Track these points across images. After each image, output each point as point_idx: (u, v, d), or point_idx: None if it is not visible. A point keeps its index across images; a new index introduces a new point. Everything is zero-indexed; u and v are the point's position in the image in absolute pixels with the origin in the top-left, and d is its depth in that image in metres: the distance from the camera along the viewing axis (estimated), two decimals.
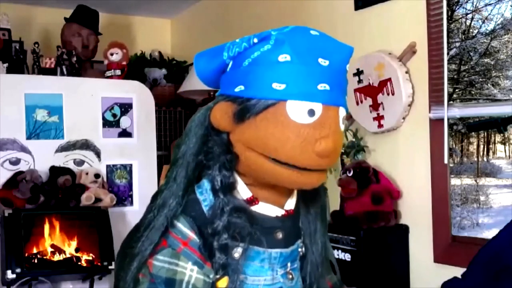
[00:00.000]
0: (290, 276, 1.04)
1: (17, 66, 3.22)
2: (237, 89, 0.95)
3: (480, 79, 2.36)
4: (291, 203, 1.04)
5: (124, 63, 3.32)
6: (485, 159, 2.41)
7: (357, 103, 2.51)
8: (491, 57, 2.31)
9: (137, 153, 3.15)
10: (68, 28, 3.42)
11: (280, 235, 1.01)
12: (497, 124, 1.62)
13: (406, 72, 2.35)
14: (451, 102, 2.31)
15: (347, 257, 2.30)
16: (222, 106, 0.97)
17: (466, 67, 2.40)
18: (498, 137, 2.36)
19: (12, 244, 2.54)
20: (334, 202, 2.37)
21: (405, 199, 2.41)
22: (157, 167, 3.17)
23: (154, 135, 3.23)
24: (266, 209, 1.00)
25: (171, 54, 4.39)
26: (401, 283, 2.36)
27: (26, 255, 2.59)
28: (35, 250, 2.65)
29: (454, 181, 2.36)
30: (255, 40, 0.94)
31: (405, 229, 2.39)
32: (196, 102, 3.73)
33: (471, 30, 2.38)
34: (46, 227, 2.70)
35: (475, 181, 2.38)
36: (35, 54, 3.17)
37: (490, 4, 2.26)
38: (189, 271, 0.95)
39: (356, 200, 2.35)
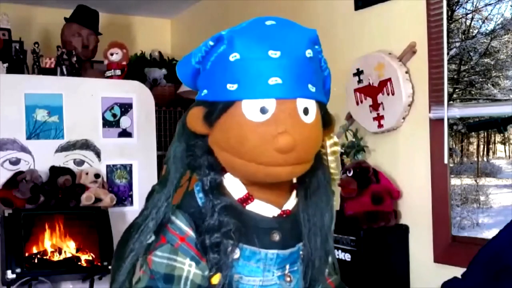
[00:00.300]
0: (288, 279, 1.03)
1: (17, 66, 3.22)
2: (203, 93, 0.96)
3: (480, 79, 2.36)
4: (289, 204, 1.03)
5: (124, 63, 3.33)
6: (485, 159, 2.41)
7: (357, 103, 2.51)
8: (491, 57, 2.31)
9: (137, 153, 3.16)
10: (68, 28, 3.42)
11: (277, 236, 1.01)
12: (497, 124, 1.62)
13: (406, 72, 2.35)
14: (451, 102, 2.31)
15: (347, 257, 2.30)
16: (194, 111, 0.97)
17: (466, 67, 2.40)
18: (498, 137, 2.37)
19: (12, 244, 2.54)
20: (335, 200, 2.37)
21: (405, 199, 2.41)
22: (157, 167, 3.17)
23: (154, 135, 3.24)
24: (261, 208, 1.00)
25: (171, 54, 4.39)
26: (401, 283, 2.36)
27: (26, 255, 2.59)
28: (35, 250, 2.65)
29: (454, 181, 2.36)
30: (211, 43, 0.94)
31: (405, 229, 2.39)
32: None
33: (471, 30, 2.38)
34: (46, 227, 2.71)
35: (475, 181, 2.38)
36: (35, 54, 3.17)
37: (490, 4, 2.26)
38: (187, 266, 0.96)
39: (356, 200, 2.35)
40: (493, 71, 2.33)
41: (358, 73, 2.49)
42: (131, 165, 3.14)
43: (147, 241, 0.98)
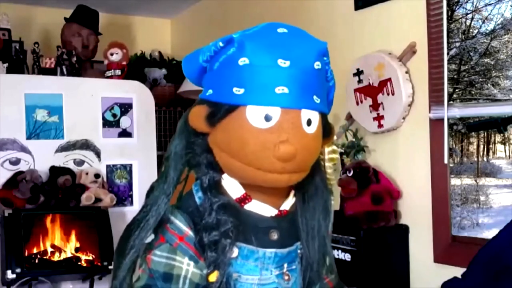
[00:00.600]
0: (287, 277, 1.04)
1: (17, 66, 3.22)
2: (207, 93, 0.97)
3: (480, 79, 2.36)
4: (287, 204, 1.04)
5: (124, 63, 3.33)
6: (485, 159, 2.41)
7: (357, 103, 2.51)
8: (491, 57, 2.31)
9: (137, 153, 3.15)
10: (68, 28, 3.42)
11: (275, 235, 1.01)
12: (497, 124, 1.62)
13: (406, 72, 2.35)
14: (451, 102, 2.31)
15: (347, 257, 2.30)
16: (197, 110, 0.98)
17: (466, 67, 2.40)
18: (498, 137, 2.37)
19: (12, 244, 2.54)
20: (334, 202, 2.37)
21: (405, 199, 2.41)
22: (157, 167, 3.17)
23: (154, 135, 3.24)
24: (259, 208, 1.01)
25: (171, 54, 4.39)
26: (401, 283, 2.36)
27: (26, 255, 2.59)
28: (35, 250, 2.65)
29: (454, 181, 2.36)
30: (221, 44, 0.94)
31: (405, 229, 2.39)
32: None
33: (471, 30, 2.38)
34: (46, 227, 2.70)
35: (475, 181, 2.38)
36: (35, 54, 3.17)
37: (490, 4, 2.26)
38: (186, 265, 0.97)
39: (356, 200, 2.35)
40: (493, 71, 2.33)
41: (358, 73, 2.49)
42: (131, 165, 3.14)
43: (147, 238, 0.98)
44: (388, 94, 2.38)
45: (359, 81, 2.49)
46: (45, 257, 2.65)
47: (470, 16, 2.36)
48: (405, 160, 2.43)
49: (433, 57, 2.30)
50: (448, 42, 2.26)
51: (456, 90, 2.42)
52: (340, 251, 2.32)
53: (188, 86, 3.50)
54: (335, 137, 2.49)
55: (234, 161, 0.95)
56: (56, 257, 2.67)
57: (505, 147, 2.40)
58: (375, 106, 2.43)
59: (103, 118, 3.09)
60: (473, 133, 2.40)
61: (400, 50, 2.39)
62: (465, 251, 1.93)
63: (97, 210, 2.82)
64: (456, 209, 2.34)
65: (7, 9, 3.60)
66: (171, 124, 3.76)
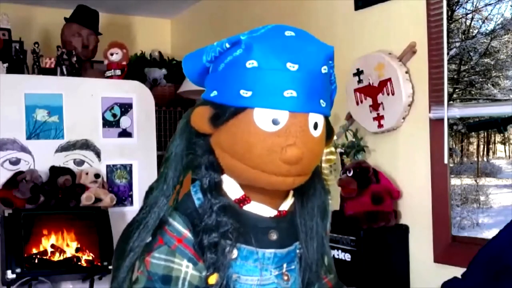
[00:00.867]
0: (286, 278, 1.04)
1: (17, 66, 3.22)
2: (212, 94, 0.96)
3: (480, 79, 2.36)
4: (286, 205, 1.04)
5: (124, 63, 3.33)
6: (485, 159, 2.41)
7: (357, 103, 2.51)
8: (491, 57, 2.31)
9: (137, 153, 3.15)
10: (68, 28, 3.42)
11: (274, 235, 1.01)
12: (497, 124, 1.62)
13: (406, 72, 2.35)
14: (451, 102, 2.31)
15: (347, 257, 2.30)
16: (200, 110, 0.97)
17: (466, 67, 2.40)
18: (498, 137, 2.37)
19: (12, 244, 2.54)
20: (334, 202, 2.37)
21: (405, 199, 2.41)
22: (157, 167, 3.17)
23: (154, 135, 3.23)
24: (259, 209, 1.00)
25: (171, 54, 4.39)
26: (401, 283, 2.36)
27: (26, 255, 2.59)
28: (35, 250, 2.65)
29: (454, 181, 2.36)
30: (227, 45, 0.94)
31: (405, 229, 2.39)
32: (196, 102, 3.72)
33: (471, 30, 2.38)
34: (46, 227, 2.70)
35: (475, 181, 2.38)
36: (35, 54, 3.17)
37: (490, 4, 2.26)
38: (185, 267, 0.97)
39: (356, 200, 2.35)
40: (493, 71, 2.33)
41: (358, 73, 2.49)
42: (131, 165, 3.14)
43: (146, 240, 0.98)
44: (388, 94, 2.38)
45: (359, 81, 2.49)
46: (45, 257, 2.65)
47: (470, 16, 2.36)
48: (405, 160, 2.43)
49: (433, 57, 2.30)
50: (448, 42, 2.26)
51: (456, 90, 2.42)
52: (340, 251, 2.32)
53: (188, 86, 3.50)
54: (335, 137, 2.49)
55: (238, 163, 0.94)
56: (56, 257, 2.67)
57: (505, 147, 2.40)
58: (375, 106, 2.43)
59: (103, 118, 3.09)
60: (473, 133, 2.40)
61: (400, 50, 2.39)
62: (465, 251, 1.93)
63: (97, 210, 2.82)
64: (456, 209, 2.34)
65: (7, 9, 3.60)
66: (171, 124, 3.76)
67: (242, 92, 0.90)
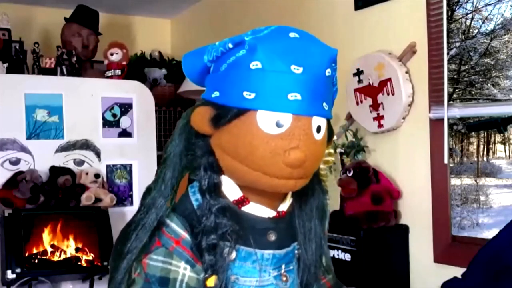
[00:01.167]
0: (284, 278, 1.04)
1: (17, 66, 3.22)
2: (213, 95, 0.95)
3: (480, 79, 2.36)
4: (284, 205, 1.03)
5: (124, 63, 3.33)
6: (485, 159, 2.40)
7: (357, 103, 2.51)
8: (491, 57, 2.31)
9: (137, 153, 3.15)
10: (68, 28, 3.42)
11: (273, 236, 1.01)
12: (497, 124, 1.62)
13: (406, 72, 2.35)
14: (451, 102, 2.31)
15: (347, 257, 2.30)
16: (201, 111, 0.97)
17: (466, 67, 2.40)
18: (498, 137, 2.36)
19: (12, 244, 2.54)
20: (334, 202, 2.37)
21: (405, 199, 2.41)
22: (157, 167, 3.16)
23: (154, 135, 3.24)
24: (257, 210, 1.00)
25: (171, 54, 4.39)
26: (401, 283, 2.36)
27: (26, 255, 2.59)
28: (35, 250, 2.65)
29: (454, 181, 2.36)
30: (230, 45, 0.93)
31: (405, 229, 2.39)
32: (196, 102, 3.72)
33: (471, 30, 2.38)
34: (46, 227, 2.70)
35: (475, 181, 2.37)
36: (35, 54, 3.17)
37: (490, 4, 2.26)
38: (182, 269, 0.96)
39: (356, 200, 2.35)
40: (493, 71, 2.32)
41: (358, 73, 2.49)
42: (131, 165, 3.14)
43: (144, 241, 0.97)
44: (388, 94, 2.38)
45: (359, 81, 2.49)
46: (45, 257, 2.65)
47: (470, 16, 2.36)
48: (405, 160, 2.43)
49: (433, 57, 2.30)
50: (448, 42, 2.26)
51: (456, 90, 2.42)
52: (340, 251, 2.32)
53: (188, 86, 3.50)
54: (335, 137, 2.49)
55: (239, 165, 0.94)
56: (56, 257, 2.67)
57: (505, 147, 2.40)
58: (375, 106, 2.43)
59: (103, 118, 3.09)
60: (473, 133, 2.39)
61: (400, 50, 2.39)
62: (465, 251, 1.93)
63: (97, 210, 2.82)
64: (456, 209, 2.33)
65: (7, 9, 3.60)
66: (171, 124, 3.76)
67: (245, 93, 0.89)
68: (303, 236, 1.04)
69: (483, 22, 2.33)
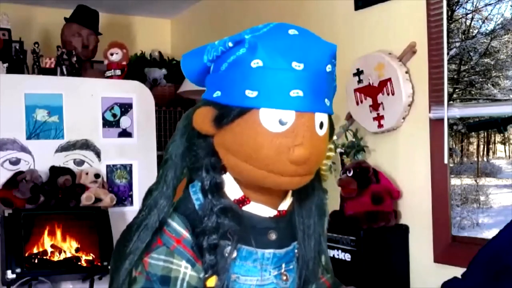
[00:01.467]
0: (285, 277, 1.04)
1: (17, 66, 3.22)
2: (215, 95, 0.95)
3: (480, 79, 2.36)
4: (285, 204, 1.04)
5: (124, 63, 3.33)
6: (485, 159, 2.40)
7: (357, 103, 2.51)
8: (491, 57, 2.31)
9: (137, 153, 3.16)
10: (68, 28, 3.42)
11: (273, 236, 1.01)
12: (497, 124, 1.62)
13: (406, 72, 2.35)
14: (451, 102, 2.31)
15: (347, 257, 2.30)
16: (203, 111, 0.96)
17: (466, 67, 2.40)
18: (498, 137, 2.36)
19: (12, 244, 2.54)
20: (334, 202, 2.37)
21: (405, 199, 2.41)
22: (157, 167, 3.16)
23: (154, 135, 3.24)
24: (258, 209, 1.00)
25: (171, 54, 4.39)
26: (401, 283, 2.36)
27: (26, 255, 2.59)
28: (35, 250, 2.65)
29: (454, 181, 2.36)
30: (230, 44, 0.92)
31: (405, 229, 2.39)
32: (196, 102, 3.73)
33: (471, 30, 2.38)
34: (46, 227, 2.70)
35: (475, 181, 2.37)
36: (35, 54, 3.17)
37: (490, 4, 2.26)
38: (184, 268, 0.96)
39: (356, 200, 2.35)
40: (493, 71, 2.32)
41: (358, 73, 2.49)
42: (131, 165, 3.14)
43: (146, 242, 0.97)
44: (388, 94, 2.38)
45: (359, 81, 2.49)
46: (45, 257, 2.65)
47: (470, 16, 2.36)
48: (405, 160, 2.43)
49: (433, 57, 2.30)
50: (448, 42, 2.26)
51: (456, 90, 2.42)
52: (340, 251, 2.32)
53: (188, 86, 3.50)
54: (335, 137, 2.49)
55: (243, 164, 0.94)
56: (56, 257, 2.67)
57: (505, 147, 2.40)
58: (375, 106, 2.43)
59: (103, 118, 3.09)
60: (473, 133, 2.39)
61: (400, 50, 2.39)
62: (465, 251, 1.93)
63: (97, 210, 2.82)
64: (456, 209, 2.33)
65: (7, 9, 3.60)
66: (171, 124, 3.76)
67: (247, 92, 0.89)
68: (302, 232, 1.05)
69: (483, 22, 2.33)
